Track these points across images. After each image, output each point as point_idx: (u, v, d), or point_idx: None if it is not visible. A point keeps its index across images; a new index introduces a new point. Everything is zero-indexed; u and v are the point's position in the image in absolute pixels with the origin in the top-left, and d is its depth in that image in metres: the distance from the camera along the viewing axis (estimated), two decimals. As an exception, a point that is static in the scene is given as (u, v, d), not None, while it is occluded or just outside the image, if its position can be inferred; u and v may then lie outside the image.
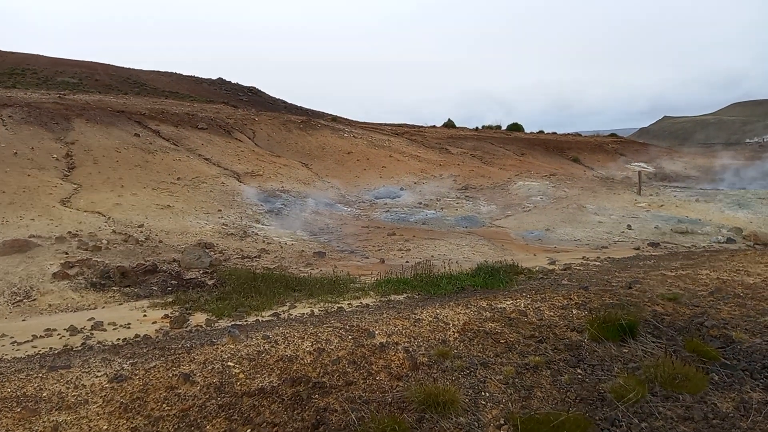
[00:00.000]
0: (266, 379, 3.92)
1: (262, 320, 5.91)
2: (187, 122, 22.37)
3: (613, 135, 45.52)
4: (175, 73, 40.05)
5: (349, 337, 4.78)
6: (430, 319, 5.30)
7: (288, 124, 26.00)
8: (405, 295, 7.11)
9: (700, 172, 28.78)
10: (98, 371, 3.98)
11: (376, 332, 4.89)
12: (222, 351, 4.32)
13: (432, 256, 10.78)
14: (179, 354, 4.29)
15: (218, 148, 20.31)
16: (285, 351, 4.35)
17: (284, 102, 41.30)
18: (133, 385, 3.78)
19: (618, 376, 4.14)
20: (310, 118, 29.24)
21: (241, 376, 3.94)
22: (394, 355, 4.48)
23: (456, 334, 4.94)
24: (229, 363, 4.09)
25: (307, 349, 4.41)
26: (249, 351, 4.31)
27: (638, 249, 11.13)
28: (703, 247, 11.27)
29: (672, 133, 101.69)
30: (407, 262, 9.91)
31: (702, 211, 15.08)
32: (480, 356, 4.52)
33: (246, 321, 5.95)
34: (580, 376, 4.23)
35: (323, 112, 38.19)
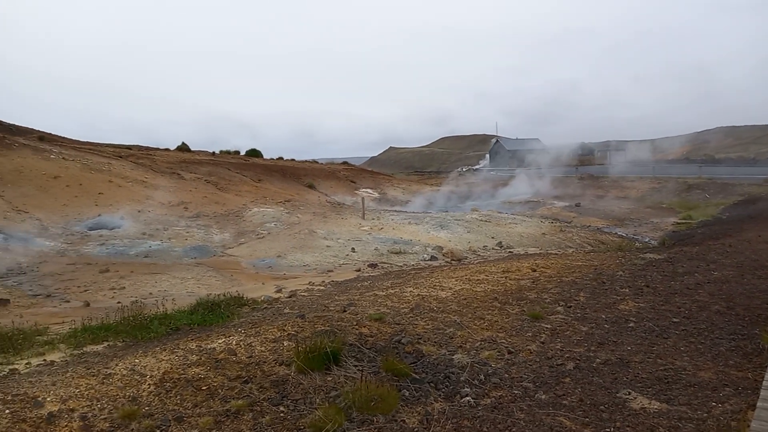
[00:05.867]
0: None
1: None
2: None
3: (345, 163, 49.09)
4: None
5: (6, 411, 3.83)
6: (124, 372, 4.62)
7: (-29, 142, 21.20)
8: (105, 344, 6.18)
9: (414, 197, 32.85)
10: None
11: (48, 399, 4.04)
12: None
13: (150, 294, 9.76)
14: None
15: None
16: None
17: (-25, 116, 33.68)
18: None
19: (319, 408, 4.14)
20: (4, 136, 24.35)
21: None
22: (66, 425, 3.73)
23: (152, 387, 4.38)
24: None
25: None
26: None
27: (359, 270, 11.90)
28: (413, 265, 12.62)
29: (396, 162, 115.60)
30: (119, 303, 8.74)
31: (413, 233, 17.06)
32: (176, 410, 4.06)
33: None
34: (282, 414, 4.10)
35: (30, 129, 32.29)
